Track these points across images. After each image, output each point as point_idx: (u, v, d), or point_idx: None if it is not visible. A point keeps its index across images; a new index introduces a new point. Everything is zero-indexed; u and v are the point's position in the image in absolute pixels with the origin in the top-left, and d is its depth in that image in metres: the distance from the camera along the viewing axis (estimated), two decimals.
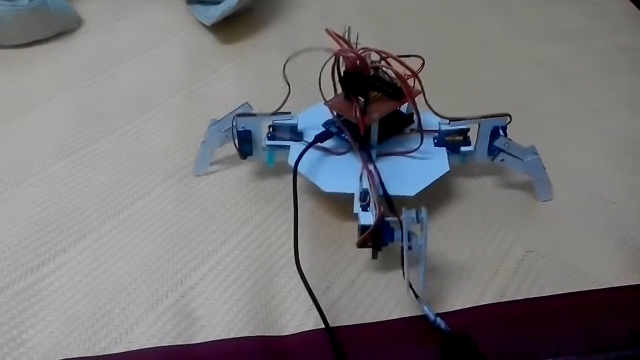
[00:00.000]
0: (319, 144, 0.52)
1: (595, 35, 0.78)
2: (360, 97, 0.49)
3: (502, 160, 0.52)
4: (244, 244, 0.50)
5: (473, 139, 0.53)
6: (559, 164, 0.56)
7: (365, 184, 0.47)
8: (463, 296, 0.46)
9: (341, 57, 0.49)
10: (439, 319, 0.42)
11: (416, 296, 0.43)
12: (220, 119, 0.54)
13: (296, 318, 0.45)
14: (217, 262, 0.49)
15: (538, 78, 0.71)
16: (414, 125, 0.53)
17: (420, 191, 0.49)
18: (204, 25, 0.79)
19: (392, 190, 0.48)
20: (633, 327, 0.44)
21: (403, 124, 0.54)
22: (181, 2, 0.85)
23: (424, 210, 0.41)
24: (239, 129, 0.53)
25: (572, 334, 0.43)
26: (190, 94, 0.68)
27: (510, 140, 0.51)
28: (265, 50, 0.76)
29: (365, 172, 0.48)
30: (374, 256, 0.45)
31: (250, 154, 0.55)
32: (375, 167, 0.49)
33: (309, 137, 0.52)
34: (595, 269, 0.48)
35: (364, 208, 0.47)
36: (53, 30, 0.78)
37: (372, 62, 0.50)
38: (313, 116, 0.54)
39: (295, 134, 0.54)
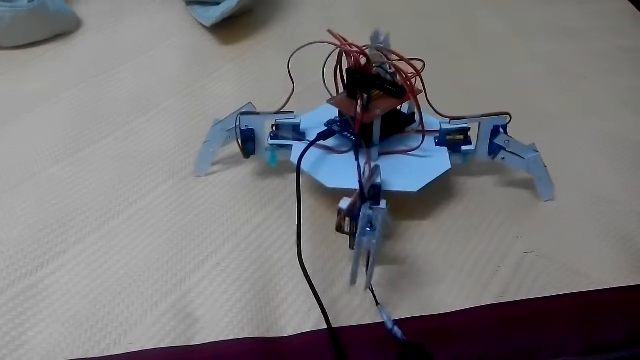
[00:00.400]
0: (321, 142, 0.52)
1: (595, 35, 0.79)
2: (363, 93, 0.49)
3: (503, 158, 0.52)
4: (244, 245, 0.50)
5: (474, 139, 0.53)
6: (558, 164, 0.56)
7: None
8: (463, 296, 0.46)
9: (344, 55, 0.49)
10: (396, 328, 0.42)
11: (377, 303, 0.43)
12: (223, 119, 0.54)
13: (296, 319, 0.45)
14: (217, 263, 0.49)
15: (538, 78, 0.71)
16: (415, 125, 0.53)
17: (423, 187, 0.49)
18: (204, 26, 0.79)
19: (395, 186, 0.49)
20: (632, 327, 0.44)
21: (404, 124, 0.54)
22: (180, 3, 0.85)
23: (381, 210, 0.41)
24: (242, 128, 0.53)
25: (571, 335, 0.43)
26: (190, 95, 0.68)
27: (511, 138, 0.52)
28: (264, 51, 0.76)
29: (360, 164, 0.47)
30: (351, 245, 0.45)
31: (254, 152, 0.55)
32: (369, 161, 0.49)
33: (312, 137, 0.52)
34: (594, 270, 0.48)
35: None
36: (52, 31, 0.78)
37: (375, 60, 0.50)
38: (316, 117, 0.55)
39: (298, 133, 0.54)
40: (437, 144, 0.53)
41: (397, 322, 0.43)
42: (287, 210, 0.53)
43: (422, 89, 0.51)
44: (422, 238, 0.50)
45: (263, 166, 0.57)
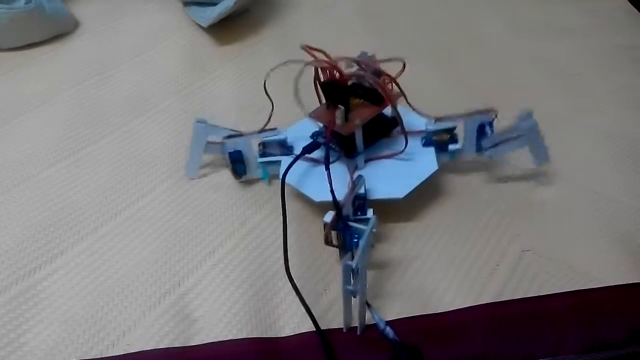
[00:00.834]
0: (307, 155, 0.52)
1: (593, 33, 0.78)
2: (340, 106, 0.49)
3: (491, 156, 0.52)
4: (242, 246, 0.50)
5: (461, 136, 0.53)
6: (557, 161, 0.56)
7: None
8: (461, 296, 0.46)
9: (320, 69, 0.49)
10: (388, 328, 0.42)
11: (368, 305, 0.43)
12: (202, 120, 0.54)
13: (294, 319, 0.44)
14: (214, 264, 0.49)
15: (536, 76, 0.71)
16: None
17: (409, 193, 0.49)
18: (201, 27, 0.79)
19: (381, 194, 0.48)
20: (631, 325, 0.44)
21: (388, 128, 0.54)
22: (177, 4, 0.85)
23: (360, 259, 0.39)
24: (229, 151, 0.53)
25: (570, 333, 0.43)
26: (187, 96, 0.68)
27: (494, 132, 0.51)
28: (262, 51, 0.76)
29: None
30: (341, 257, 0.46)
31: (245, 173, 0.55)
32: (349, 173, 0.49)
33: (299, 150, 0.52)
34: (593, 268, 0.47)
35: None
36: (49, 32, 0.78)
37: (352, 69, 0.50)
38: (302, 129, 0.55)
39: (285, 148, 0.54)
40: (424, 145, 0.53)
41: (394, 322, 0.43)
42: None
43: (402, 92, 0.51)
44: (418, 239, 0.50)
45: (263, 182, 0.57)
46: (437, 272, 0.48)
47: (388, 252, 0.49)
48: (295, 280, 0.44)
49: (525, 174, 0.54)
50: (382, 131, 0.53)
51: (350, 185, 0.47)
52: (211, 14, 0.77)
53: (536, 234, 0.50)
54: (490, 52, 0.75)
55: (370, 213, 0.46)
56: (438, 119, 0.52)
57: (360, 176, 0.47)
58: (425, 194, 0.53)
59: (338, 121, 0.49)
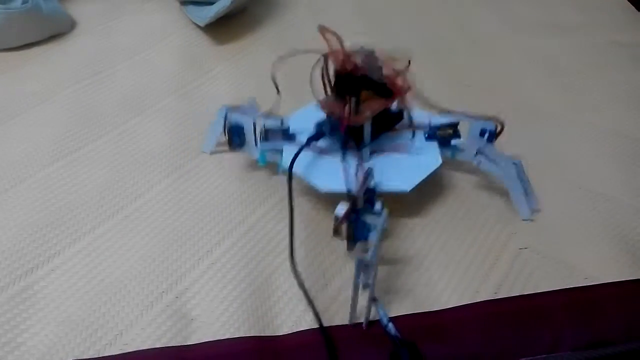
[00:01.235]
0: (312, 144, 0.52)
1: (590, 30, 0.78)
2: (352, 97, 0.49)
3: (479, 162, 0.52)
4: (240, 244, 0.50)
5: (464, 136, 0.53)
6: (554, 159, 0.56)
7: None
8: (458, 293, 0.46)
9: (330, 58, 0.49)
10: (390, 324, 0.42)
11: (374, 299, 0.43)
12: (231, 106, 0.56)
13: (291, 318, 0.44)
14: (212, 263, 0.49)
15: (534, 73, 0.71)
16: (405, 121, 0.53)
17: (416, 186, 0.49)
18: (198, 26, 0.79)
19: (388, 187, 0.49)
20: (628, 322, 0.44)
21: (393, 121, 0.54)
22: (175, 3, 0.85)
23: (372, 250, 0.40)
24: (232, 122, 0.54)
25: (566, 330, 0.43)
26: (185, 95, 0.68)
27: (491, 145, 0.51)
28: (259, 50, 0.76)
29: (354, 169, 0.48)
30: (349, 248, 0.46)
31: (240, 146, 0.55)
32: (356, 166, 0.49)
33: (301, 138, 0.52)
34: (590, 265, 0.47)
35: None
36: (46, 32, 0.78)
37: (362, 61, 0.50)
38: (304, 117, 0.55)
39: (288, 136, 0.54)
40: (427, 138, 0.53)
41: (391, 319, 0.43)
42: (281, 210, 0.53)
43: (411, 85, 0.50)
44: (417, 236, 0.50)
45: (257, 166, 0.57)
46: (435, 270, 0.48)
47: (386, 248, 0.49)
48: (293, 276, 0.44)
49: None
50: (387, 124, 0.54)
51: (360, 178, 0.47)
52: (208, 13, 0.77)
53: (533, 232, 0.51)
54: (487, 49, 0.75)
55: (378, 206, 0.46)
56: (442, 112, 0.52)
57: (370, 169, 0.47)
58: (424, 192, 0.53)
59: (349, 112, 0.49)
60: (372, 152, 0.52)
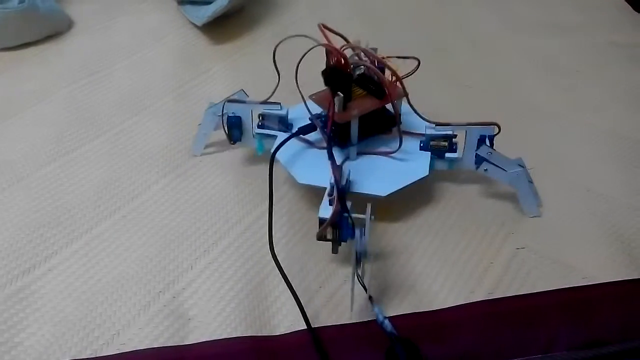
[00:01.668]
0: (303, 136, 0.52)
1: (589, 30, 0.79)
2: (339, 93, 0.49)
3: (486, 170, 0.51)
4: (237, 244, 0.50)
5: (461, 146, 0.52)
6: (552, 159, 0.56)
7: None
8: (454, 293, 0.46)
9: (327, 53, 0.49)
10: (386, 321, 0.41)
11: (369, 297, 0.43)
12: (217, 103, 0.55)
13: (288, 318, 0.45)
14: (209, 263, 0.49)
15: (532, 73, 0.71)
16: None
17: (393, 192, 0.49)
18: (195, 26, 0.79)
19: (365, 189, 0.48)
20: (624, 322, 0.44)
21: (387, 124, 0.53)
22: (172, 3, 0.85)
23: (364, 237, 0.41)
24: (229, 115, 0.54)
25: (563, 330, 0.43)
26: (182, 95, 0.68)
27: (495, 150, 0.51)
28: (256, 50, 0.76)
29: (331, 167, 0.47)
30: (334, 250, 0.46)
31: (239, 139, 0.56)
32: (339, 164, 0.49)
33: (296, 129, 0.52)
34: (586, 265, 0.48)
35: (331, 202, 0.46)
36: (43, 32, 0.78)
37: (361, 60, 0.50)
38: (306, 110, 0.54)
39: (284, 124, 0.54)
40: (421, 148, 0.52)
41: (388, 318, 0.43)
42: (278, 211, 0.53)
43: (407, 90, 0.50)
44: (415, 235, 0.51)
45: (255, 166, 0.57)
46: (432, 269, 0.48)
47: (383, 248, 0.49)
48: (289, 279, 0.44)
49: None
50: (381, 127, 0.53)
51: (332, 176, 0.46)
52: (205, 12, 0.77)
53: (531, 231, 0.51)
54: (486, 49, 0.75)
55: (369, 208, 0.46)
56: (439, 125, 0.51)
57: (339, 167, 0.47)
58: (422, 192, 0.53)
59: (335, 108, 0.49)
60: (360, 152, 0.52)
